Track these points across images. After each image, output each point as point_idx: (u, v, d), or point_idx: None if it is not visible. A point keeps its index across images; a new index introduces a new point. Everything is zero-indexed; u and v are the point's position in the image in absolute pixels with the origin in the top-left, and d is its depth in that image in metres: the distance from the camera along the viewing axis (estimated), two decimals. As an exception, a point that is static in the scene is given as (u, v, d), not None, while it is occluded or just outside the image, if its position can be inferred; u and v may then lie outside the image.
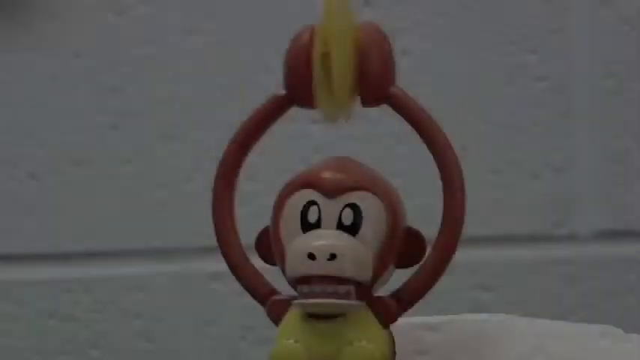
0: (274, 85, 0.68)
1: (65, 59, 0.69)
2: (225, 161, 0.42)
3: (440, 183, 0.67)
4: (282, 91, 0.41)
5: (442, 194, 0.39)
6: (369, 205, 0.38)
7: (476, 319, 0.49)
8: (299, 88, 0.40)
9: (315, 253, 0.37)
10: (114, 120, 0.69)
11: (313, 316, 0.38)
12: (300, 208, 0.38)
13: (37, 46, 0.70)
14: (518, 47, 0.66)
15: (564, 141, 0.67)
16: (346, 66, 0.38)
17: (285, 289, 0.39)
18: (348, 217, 0.38)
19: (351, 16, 0.40)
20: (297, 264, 0.37)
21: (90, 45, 0.69)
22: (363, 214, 0.38)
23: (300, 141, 0.68)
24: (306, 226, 0.38)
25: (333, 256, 0.37)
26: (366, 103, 0.39)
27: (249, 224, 0.68)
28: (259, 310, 0.40)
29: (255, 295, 0.40)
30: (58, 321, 0.69)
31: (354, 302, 0.37)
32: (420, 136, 0.39)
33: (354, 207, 0.38)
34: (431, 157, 0.67)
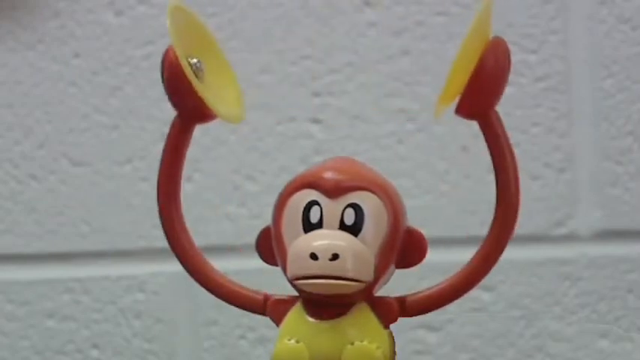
0: (273, 84, 0.68)
1: (65, 59, 0.69)
2: (162, 210, 0.41)
3: (438, 184, 0.67)
4: (176, 114, 0.40)
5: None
6: (371, 205, 0.38)
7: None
8: (187, 104, 0.39)
9: (318, 254, 0.36)
10: (114, 120, 0.69)
11: (315, 316, 0.38)
12: (302, 208, 0.38)
13: (37, 46, 0.70)
14: (518, 47, 0.66)
15: (564, 141, 0.67)
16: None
17: (286, 289, 0.39)
18: (349, 217, 0.38)
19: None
20: (299, 264, 0.37)
21: (90, 45, 0.69)
22: (365, 214, 0.38)
23: (300, 141, 0.68)
24: (308, 226, 0.38)
25: (335, 256, 0.36)
26: (460, 111, 0.37)
27: (249, 224, 0.68)
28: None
29: (253, 308, 0.40)
30: (57, 321, 0.69)
31: (353, 283, 0.37)
32: (494, 165, 0.38)
33: (355, 207, 0.38)
34: (430, 157, 0.68)
